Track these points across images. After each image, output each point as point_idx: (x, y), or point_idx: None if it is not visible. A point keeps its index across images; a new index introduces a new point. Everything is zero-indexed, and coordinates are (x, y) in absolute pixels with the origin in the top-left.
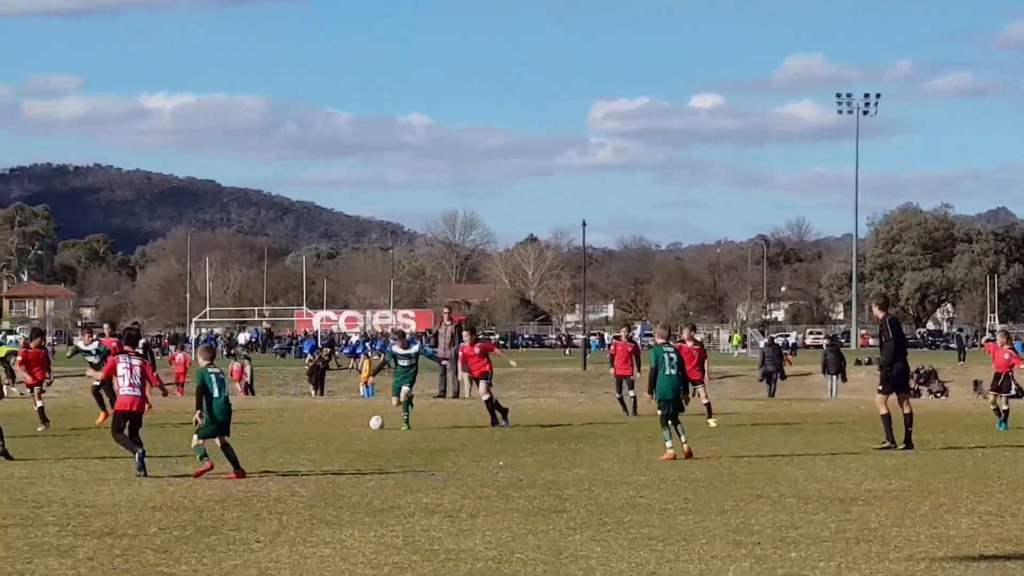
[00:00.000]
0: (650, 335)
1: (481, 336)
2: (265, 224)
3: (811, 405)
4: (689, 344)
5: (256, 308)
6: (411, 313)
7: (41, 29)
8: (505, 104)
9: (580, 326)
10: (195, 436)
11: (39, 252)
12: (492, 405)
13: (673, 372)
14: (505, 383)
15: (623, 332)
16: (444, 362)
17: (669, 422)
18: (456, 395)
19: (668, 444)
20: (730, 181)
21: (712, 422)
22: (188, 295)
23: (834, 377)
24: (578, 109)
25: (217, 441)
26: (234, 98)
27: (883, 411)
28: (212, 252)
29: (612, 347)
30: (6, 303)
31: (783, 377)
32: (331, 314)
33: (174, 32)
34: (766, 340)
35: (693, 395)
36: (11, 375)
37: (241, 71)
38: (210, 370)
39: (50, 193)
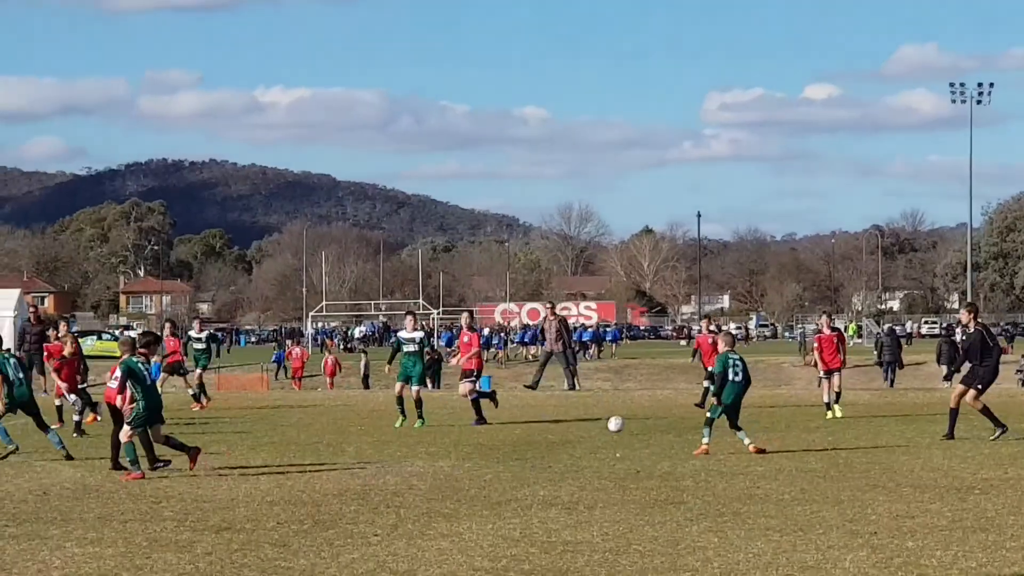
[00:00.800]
0: (765, 326)
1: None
2: (381, 218)
3: (927, 395)
4: (827, 332)
5: (372, 302)
6: (592, 305)
7: (158, 24)
8: (620, 96)
9: (696, 317)
10: (127, 428)
11: (155, 247)
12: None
13: (738, 379)
14: (622, 375)
15: (704, 325)
16: (553, 355)
17: (713, 425)
18: (574, 387)
19: (705, 440)
20: (844, 171)
21: (839, 411)
22: (304, 289)
23: (949, 367)
24: (692, 101)
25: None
26: (350, 92)
27: (978, 407)
28: (328, 246)
29: (696, 341)
30: (123, 299)
31: (901, 366)
32: (512, 306)
33: (291, 26)
34: (885, 329)
35: (825, 381)
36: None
37: (358, 65)
38: (135, 359)
39: (166, 188)
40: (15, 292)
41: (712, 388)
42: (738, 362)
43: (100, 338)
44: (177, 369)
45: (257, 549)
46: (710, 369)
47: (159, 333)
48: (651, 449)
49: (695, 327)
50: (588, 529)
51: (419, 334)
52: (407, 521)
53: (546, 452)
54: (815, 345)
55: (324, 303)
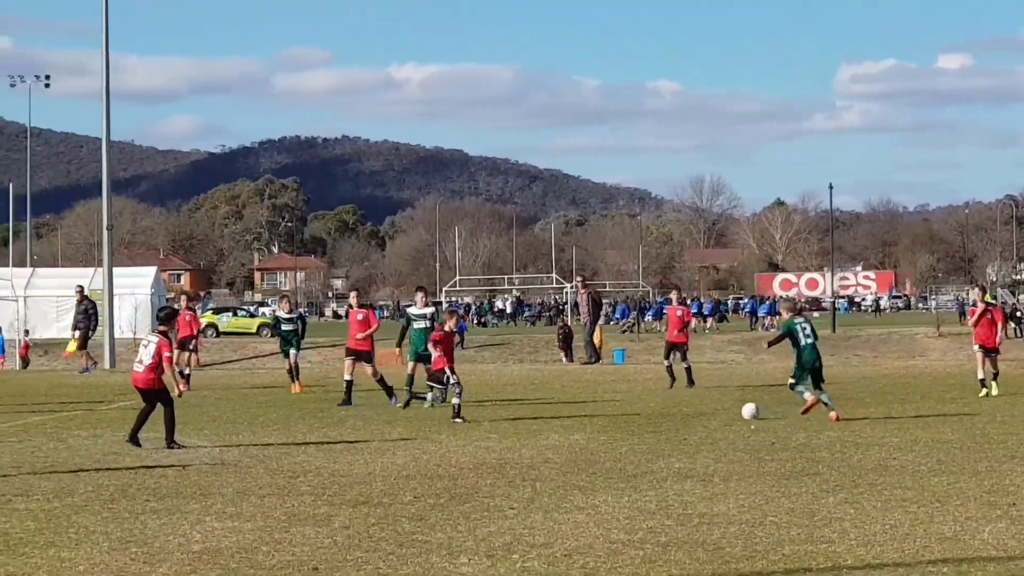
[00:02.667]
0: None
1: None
2: (513, 192)
3: None
4: (982, 306)
5: (506, 276)
6: (871, 274)
7: (291, 2)
8: (752, 68)
9: (829, 289)
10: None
11: (289, 224)
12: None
13: (809, 341)
14: (755, 347)
15: (674, 296)
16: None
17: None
18: (598, 359)
19: (806, 395)
20: (979, 142)
21: (995, 389)
22: (437, 264)
23: None
24: (824, 72)
25: None
26: (482, 67)
27: None
28: (461, 221)
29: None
30: (257, 276)
31: None
32: (791, 276)
33: (423, 2)
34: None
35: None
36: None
37: (490, 40)
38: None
39: (299, 165)
40: (152, 270)
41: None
42: (805, 324)
43: (236, 315)
44: (185, 344)
45: (394, 523)
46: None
47: (175, 307)
48: (785, 421)
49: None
50: (724, 501)
51: (430, 310)
52: (543, 494)
53: (681, 424)
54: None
55: (457, 278)
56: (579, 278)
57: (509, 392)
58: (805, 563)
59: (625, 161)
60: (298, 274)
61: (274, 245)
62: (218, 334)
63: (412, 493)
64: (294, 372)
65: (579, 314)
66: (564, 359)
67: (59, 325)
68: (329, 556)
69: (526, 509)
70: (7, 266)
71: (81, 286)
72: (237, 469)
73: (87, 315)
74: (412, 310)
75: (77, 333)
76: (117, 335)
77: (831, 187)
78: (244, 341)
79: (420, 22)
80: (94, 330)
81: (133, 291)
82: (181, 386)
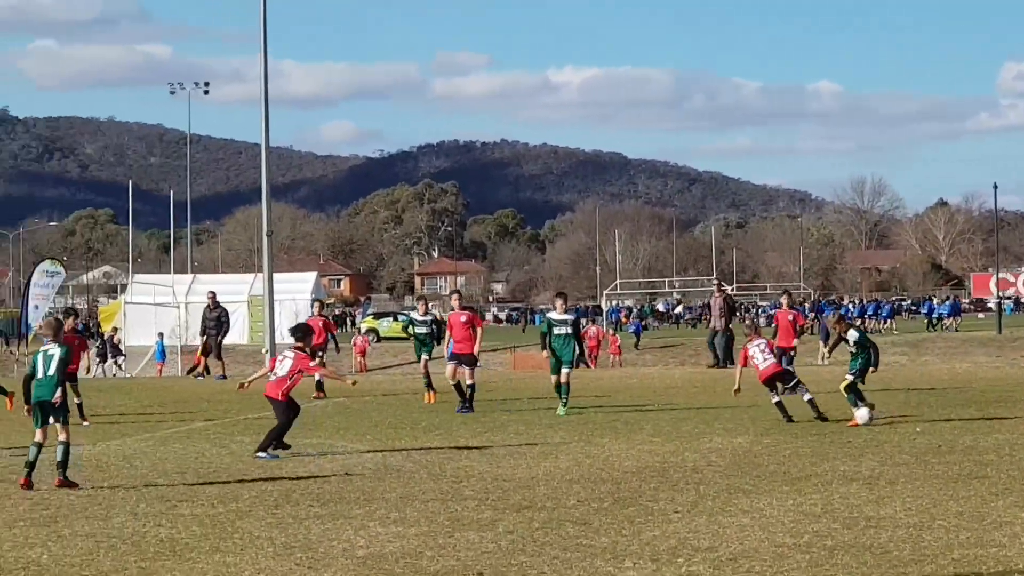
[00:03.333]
0: None
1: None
2: (672, 195)
3: None
4: None
5: (666, 279)
6: None
7: (448, 6)
8: (913, 68)
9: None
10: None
11: (449, 229)
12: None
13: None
14: (919, 348)
15: (784, 301)
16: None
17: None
18: (725, 364)
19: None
20: None
21: None
22: (598, 268)
23: None
24: (987, 70)
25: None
26: (641, 70)
27: None
28: (621, 224)
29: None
30: (418, 280)
31: None
32: (1008, 276)
33: (580, 6)
34: None
35: None
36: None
37: (648, 43)
38: (41, 349)
39: (458, 169)
40: (312, 275)
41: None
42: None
43: (396, 319)
44: (315, 353)
45: (558, 527)
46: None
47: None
48: (952, 423)
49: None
50: (890, 504)
51: (570, 316)
52: (707, 498)
53: (844, 427)
54: None
55: (618, 281)
56: (715, 281)
57: (671, 395)
58: (975, 567)
59: (785, 163)
60: (458, 278)
61: (434, 249)
62: (379, 339)
63: (576, 497)
64: (428, 379)
65: (711, 316)
66: (727, 364)
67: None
68: (493, 561)
69: (690, 513)
70: (168, 273)
71: (213, 292)
72: (400, 474)
73: (219, 322)
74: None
75: (204, 339)
76: (278, 341)
77: (995, 187)
78: (405, 346)
79: (578, 25)
80: (224, 336)
81: (293, 296)
82: (348, 380)
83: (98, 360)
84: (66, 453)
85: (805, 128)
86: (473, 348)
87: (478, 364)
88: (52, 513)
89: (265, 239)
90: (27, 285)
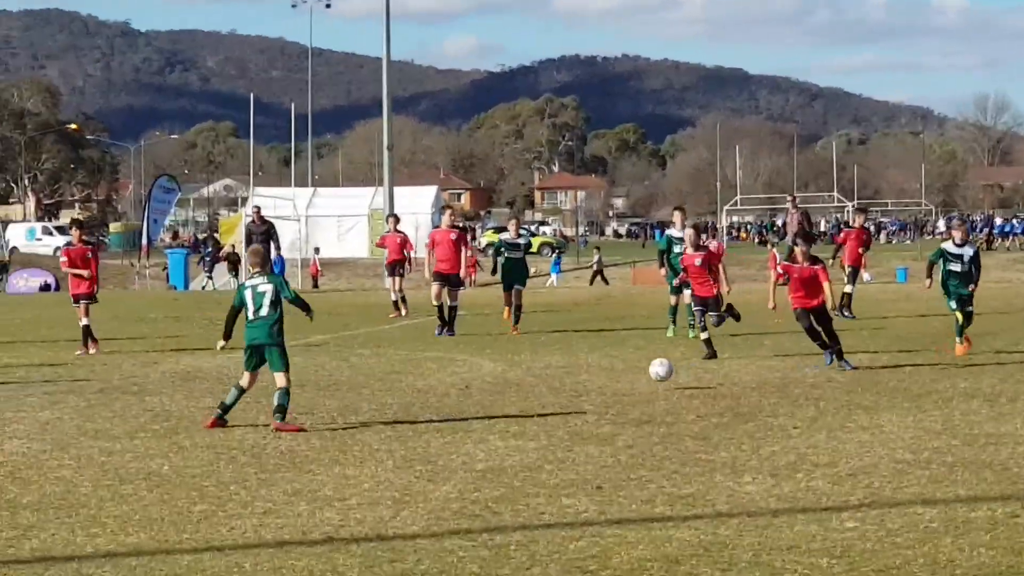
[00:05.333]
0: None
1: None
2: (794, 110)
3: None
4: None
5: (786, 195)
6: None
7: None
8: None
9: None
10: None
11: (569, 143)
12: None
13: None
14: None
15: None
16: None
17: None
18: None
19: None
20: None
21: None
22: (718, 183)
23: None
24: None
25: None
26: None
27: None
28: (741, 140)
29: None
30: (537, 195)
31: None
32: None
33: None
34: None
35: None
36: None
37: None
38: (249, 283)
39: (579, 84)
40: (432, 189)
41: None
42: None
43: None
44: (394, 269)
45: (678, 442)
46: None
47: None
48: None
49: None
50: (1011, 421)
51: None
52: (827, 414)
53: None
54: None
55: (738, 197)
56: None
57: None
58: None
59: (908, 78)
60: (578, 193)
61: (554, 164)
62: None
63: (695, 412)
64: (513, 311)
65: (787, 234)
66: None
67: (340, 245)
68: (613, 475)
69: (809, 428)
70: (289, 186)
71: (258, 207)
72: (520, 388)
73: (268, 236)
74: (673, 232)
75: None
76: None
77: None
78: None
79: None
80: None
81: (414, 211)
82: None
83: (206, 272)
84: (283, 396)
85: (929, 44)
86: (459, 268)
87: (463, 286)
88: (173, 425)
89: (386, 153)
90: (147, 198)
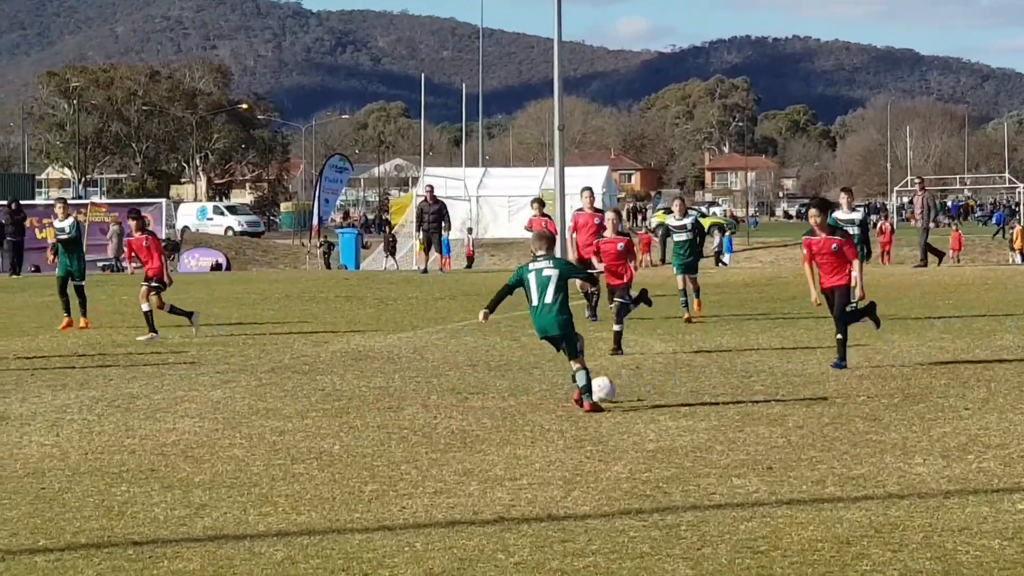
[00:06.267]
0: None
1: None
2: (965, 91)
3: None
4: None
5: (957, 176)
6: None
7: None
8: None
9: None
10: None
11: (740, 124)
12: None
13: None
14: None
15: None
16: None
17: None
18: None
19: None
20: None
21: None
22: (888, 164)
23: None
24: None
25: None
26: None
27: None
28: (912, 121)
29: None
30: (708, 175)
31: None
32: None
33: None
34: None
35: None
36: None
37: None
38: (532, 266)
39: (750, 65)
40: (603, 169)
41: None
42: None
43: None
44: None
45: (848, 423)
46: None
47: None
48: None
49: None
50: None
51: (857, 215)
52: (998, 395)
53: None
54: None
55: (909, 178)
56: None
57: (962, 292)
58: None
59: None
60: (748, 174)
61: (724, 144)
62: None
63: (866, 393)
64: (687, 295)
65: (915, 216)
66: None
67: (510, 225)
68: (783, 456)
69: (981, 410)
70: (460, 166)
71: (431, 186)
72: (690, 369)
73: (439, 215)
74: (838, 214)
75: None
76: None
77: None
78: None
79: None
80: (447, 230)
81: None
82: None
83: (387, 254)
84: (587, 378)
85: None
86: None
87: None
88: (343, 404)
89: (557, 133)
90: (319, 178)
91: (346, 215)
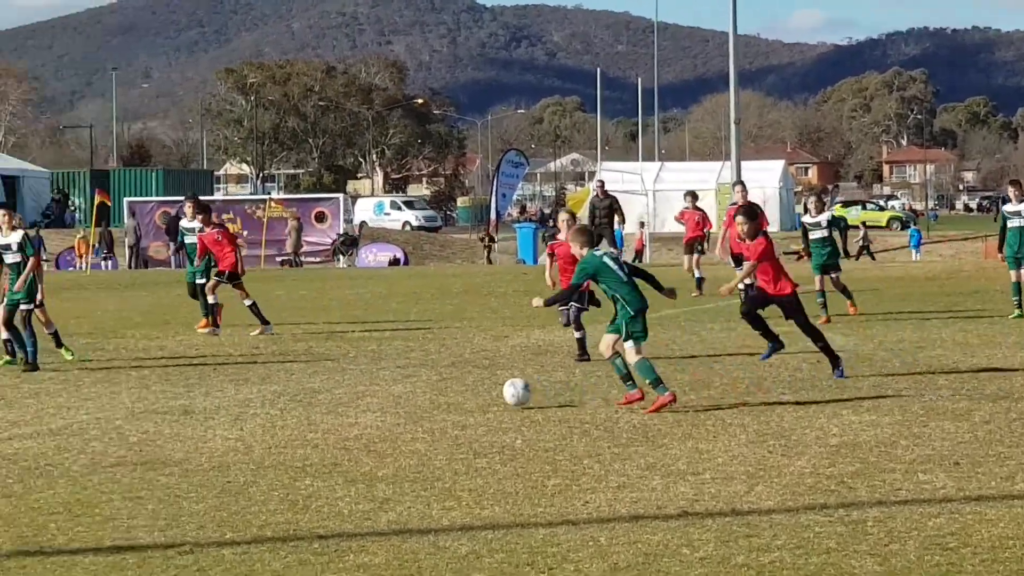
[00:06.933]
0: None
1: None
2: None
3: None
4: None
5: None
6: None
7: None
8: None
9: None
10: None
11: (918, 116)
12: None
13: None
14: None
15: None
16: None
17: None
18: None
19: None
20: None
21: None
22: None
23: None
24: None
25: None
26: None
27: None
28: None
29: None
30: (886, 168)
31: None
32: None
33: None
34: None
35: None
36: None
37: None
38: (596, 253)
39: (928, 56)
40: (779, 163)
41: None
42: None
43: (864, 208)
44: (693, 247)
45: None
46: None
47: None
48: None
49: None
50: None
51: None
52: None
53: None
54: None
55: None
56: None
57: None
58: None
59: None
60: (927, 167)
61: (902, 137)
62: (847, 227)
63: None
64: (825, 296)
65: None
66: None
67: None
68: (970, 451)
69: None
70: (635, 160)
71: (602, 181)
72: (872, 363)
73: (610, 210)
74: (1007, 208)
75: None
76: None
77: None
78: (874, 234)
79: None
80: (622, 224)
81: (761, 184)
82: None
83: None
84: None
85: None
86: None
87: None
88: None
89: (733, 127)
90: (495, 173)
91: (523, 210)
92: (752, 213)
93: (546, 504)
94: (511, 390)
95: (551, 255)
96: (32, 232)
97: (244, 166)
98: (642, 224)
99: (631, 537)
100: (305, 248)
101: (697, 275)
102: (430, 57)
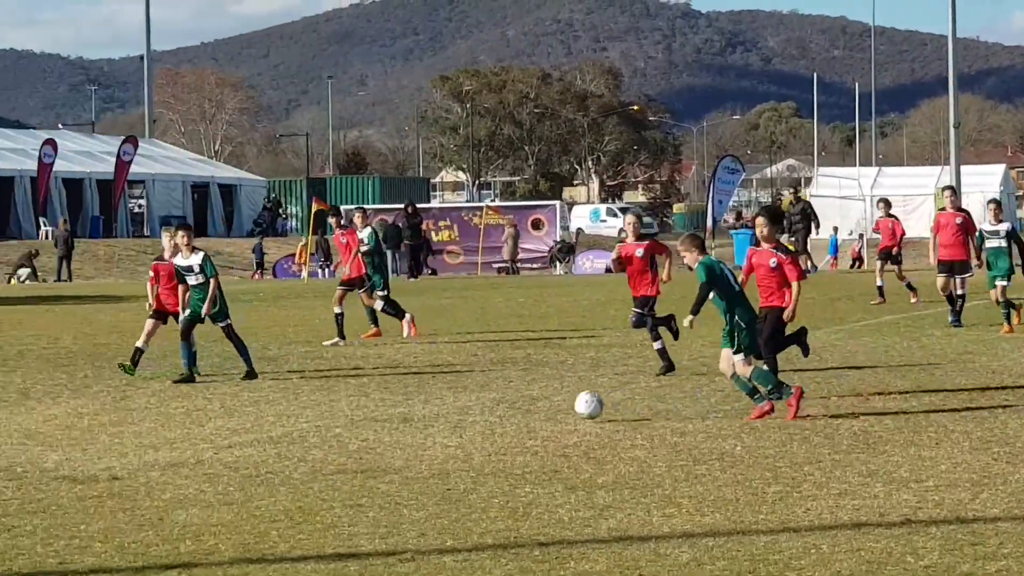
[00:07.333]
0: None
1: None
2: None
3: None
4: None
5: None
6: None
7: None
8: None
9: None
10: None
11: None
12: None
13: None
14: None
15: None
16: None
17: None
18: None
19: None
20: None
21: None
22: None
23: None
24: None
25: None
26: None
27: None
28: None
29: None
30: None
31: None
32: None
33: None
34: None
35: None
36: None
37: None
38: (714, 260)
39: None
40: (1000, 168)
41: None
42: None
43: None
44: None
45: None
46: None
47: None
48: None
49: None
50: None
51: (1003, 227)
52: None
53: None
54: None
55: None
56: None
57: None
58: None
59: None
60: None
61: None
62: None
63: None
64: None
65: None
66: None
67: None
68: None
69: None
70: (853, 166)
71: (795, 188)
72: None
73: (804, 215)
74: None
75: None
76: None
77: None
78: None
79: None
80: (816, 231)
81: (981, 189)
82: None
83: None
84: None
85: None
86: (965, 254)
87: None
88: (744, 405)
89: (952, 131)
90: (712, 179)
91: (738, 216)
92: (775, 216)
93: (767, 511)
94: (587, 400)
95: (618, 259)
96: (255, 242)
97: (460, 173)
98: (860, 236)
99: (853, 545)
100: (522, 255)
101: (904, 281)
102: (645, 64)
